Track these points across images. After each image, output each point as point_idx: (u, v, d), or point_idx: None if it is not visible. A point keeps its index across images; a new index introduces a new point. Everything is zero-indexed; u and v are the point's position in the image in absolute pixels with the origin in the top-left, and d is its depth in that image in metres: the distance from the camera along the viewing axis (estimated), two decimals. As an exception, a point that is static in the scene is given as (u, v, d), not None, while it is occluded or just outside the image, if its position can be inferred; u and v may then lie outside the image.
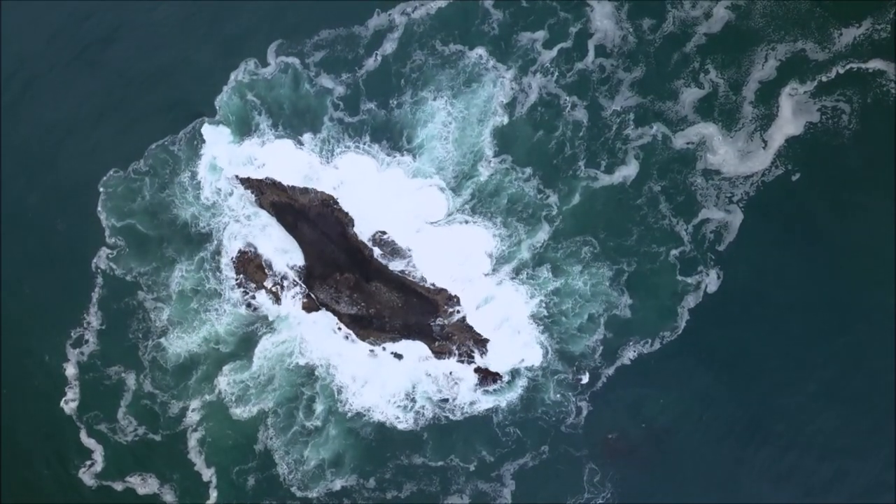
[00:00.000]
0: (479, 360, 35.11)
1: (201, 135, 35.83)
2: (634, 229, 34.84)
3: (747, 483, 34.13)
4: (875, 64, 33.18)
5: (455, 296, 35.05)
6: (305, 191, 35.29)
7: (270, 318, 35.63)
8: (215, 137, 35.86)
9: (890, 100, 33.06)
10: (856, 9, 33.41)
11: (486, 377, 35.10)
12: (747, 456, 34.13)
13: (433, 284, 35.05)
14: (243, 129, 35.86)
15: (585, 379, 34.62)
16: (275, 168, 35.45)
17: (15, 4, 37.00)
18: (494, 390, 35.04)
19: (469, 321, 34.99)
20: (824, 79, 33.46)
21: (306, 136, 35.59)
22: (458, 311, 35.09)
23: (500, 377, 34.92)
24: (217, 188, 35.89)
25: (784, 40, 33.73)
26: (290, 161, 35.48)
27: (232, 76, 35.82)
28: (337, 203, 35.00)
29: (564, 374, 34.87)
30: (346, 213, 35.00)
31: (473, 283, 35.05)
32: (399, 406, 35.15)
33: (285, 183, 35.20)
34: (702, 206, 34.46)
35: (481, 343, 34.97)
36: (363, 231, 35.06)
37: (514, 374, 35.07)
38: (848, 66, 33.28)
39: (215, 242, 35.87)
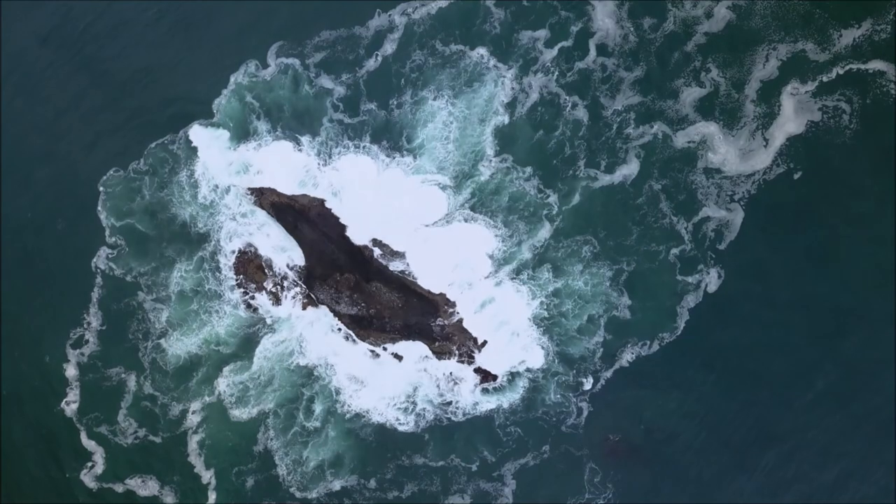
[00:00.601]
0: (479, 362, 36.10)
1: (191, 141, 36.59)
2: (634, 228, 35.68)
3: (748, 484, 35.05)
4: (875, 65, 34.04)
5: (454, 300, 36.11)
6: (305, 194, 36.24)
7: (271, 319, 36.52)
8: (210, 143, 36.56)
9: (890, 100, 33.94)
10: (856, 10, 34.27)
11: (487, 377, 36.04)
12: (747, 457, 35.07)
13: (429, 291, 36.09)
14: (241, 133, 36.60)
15: (588, 385, 35.56)
16: (272, 174, 36.25)
17: (13, 4, 37.65)
18: (494, 389, 35.94)
19: (470, 323, 35.90)
20: (825, 79, 34.33)
21: (305, 139, 36.35)
22: (459, 312, 36.01)
23: (495, 377, 35.87)
24: (214, 185, 36.62)
25: (785, 41, 34.60)
26: (289, 164, 36.25)
27: (232, 78, 36.52)
28: (327, 208, 36.05)
29: (565, 375, 35.80)
30: (338, 219, 36.00)
31: (474, 285, 35.92)
32: (399, 409, 36.12)
33: (284, 192, 36.02)
34: (702, 205, 35.32)
35: (481, 345, 35.93)
36: (363, 234, 35.95)
37: (515, 375, 36.00)
38: (848, 67, 34.15)
39: (213, 242, 36.65)
